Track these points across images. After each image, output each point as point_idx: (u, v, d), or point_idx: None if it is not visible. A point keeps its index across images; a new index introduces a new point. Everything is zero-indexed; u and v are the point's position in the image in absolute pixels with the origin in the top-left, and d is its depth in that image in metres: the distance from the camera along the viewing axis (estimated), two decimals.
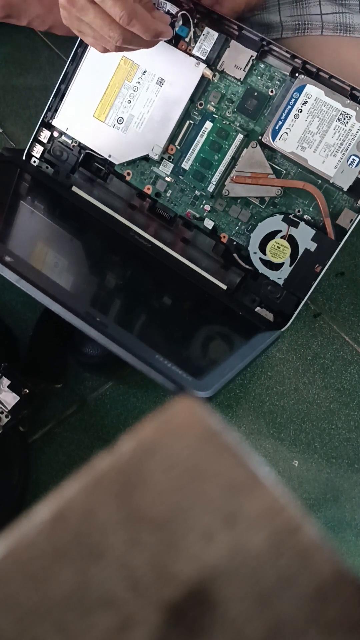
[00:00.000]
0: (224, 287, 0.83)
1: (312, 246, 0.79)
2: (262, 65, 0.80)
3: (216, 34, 0.80)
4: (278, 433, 0.91)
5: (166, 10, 0.81)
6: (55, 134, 0.89)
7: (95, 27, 0.70)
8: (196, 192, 0.84)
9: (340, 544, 0.86)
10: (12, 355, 0.90)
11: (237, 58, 0.80)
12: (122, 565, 0.32)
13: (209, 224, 0.84)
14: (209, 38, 0.81)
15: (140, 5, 0.70)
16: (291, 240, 0.80)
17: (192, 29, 0.81)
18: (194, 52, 0.81)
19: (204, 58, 0.81)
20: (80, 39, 0.84)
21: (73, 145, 0.88)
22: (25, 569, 0.32)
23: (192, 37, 0.81)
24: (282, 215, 0.80)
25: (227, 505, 0.33)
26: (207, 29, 0.81)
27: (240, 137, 0.81)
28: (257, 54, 0.79)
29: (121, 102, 0.84)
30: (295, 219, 0.80)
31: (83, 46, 0.85)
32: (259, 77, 0.80)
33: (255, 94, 0.80)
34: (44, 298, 0.68)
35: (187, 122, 0.83)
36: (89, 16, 0.69)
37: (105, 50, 0.73)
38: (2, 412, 0.83)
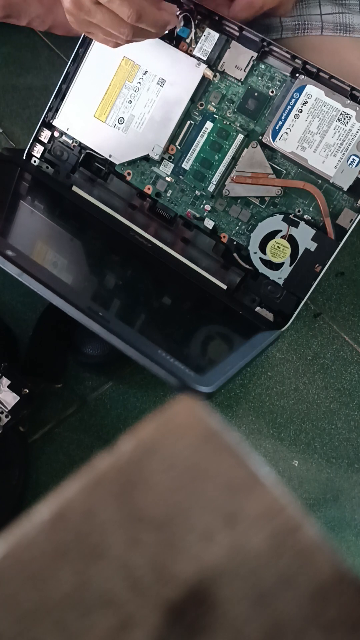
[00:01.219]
0: (224, 286, 0.83)
1: (312, 246, 0.79)
2: (263, 66, 0.80)
3: (217, 35, 0.80)
4: (278, 433, 0.90)
5: None
6: (56, 134, 0.89)
7: (104, 27, 0.70)
8: (196, 192, 0.84)
9: (340, 544, 0.86)
10: (12, 355, 0.90)
11: (238, 58, 0.80)
12: (122, 565, 0.32)
13: (209, 223, 0.84)
14: (209, 39, 0.81)
15: None
16: (291, 240, 0.80)
17: (193, 30, 0.81)
18: (195, 52, 0.81)
19: (204, 59, 0.81)
20: (82, 39, 0.84)
21: (73, 145, 0.88)
22: (25, 569, 0.32)
23: (193, 37, 0.81)
24: (282, 215, 0.80)
25: (227, 505, 0.33)
26: (207, 29, 0.81)
27: (240, 137, 0.81)
28: (258, 54, 0.79)
29: (122, 103, 0.84)
30: (295, 219, 0.80)
31: (84, 46, 0.85)
32: (260, 78, 0.80)
33: (256, 94, 0.80)
34: (47, 292, 0.68)
35: (188, 122, 0.83)
36: (97, 18, 0.69)
37: (116, 45, 0.74)
38: (2, 412, 0.83)
